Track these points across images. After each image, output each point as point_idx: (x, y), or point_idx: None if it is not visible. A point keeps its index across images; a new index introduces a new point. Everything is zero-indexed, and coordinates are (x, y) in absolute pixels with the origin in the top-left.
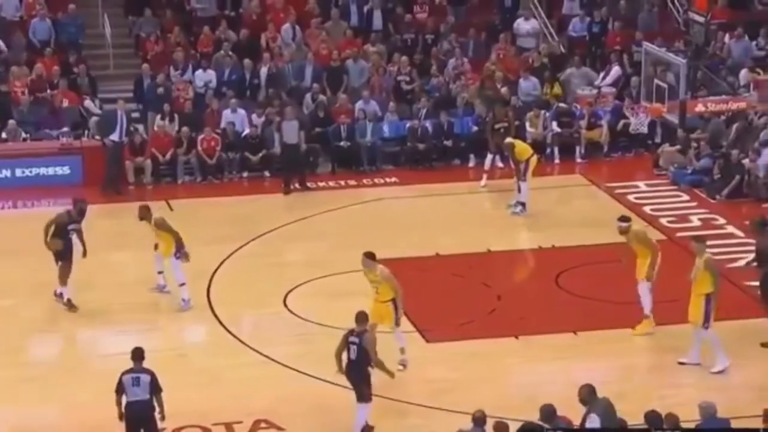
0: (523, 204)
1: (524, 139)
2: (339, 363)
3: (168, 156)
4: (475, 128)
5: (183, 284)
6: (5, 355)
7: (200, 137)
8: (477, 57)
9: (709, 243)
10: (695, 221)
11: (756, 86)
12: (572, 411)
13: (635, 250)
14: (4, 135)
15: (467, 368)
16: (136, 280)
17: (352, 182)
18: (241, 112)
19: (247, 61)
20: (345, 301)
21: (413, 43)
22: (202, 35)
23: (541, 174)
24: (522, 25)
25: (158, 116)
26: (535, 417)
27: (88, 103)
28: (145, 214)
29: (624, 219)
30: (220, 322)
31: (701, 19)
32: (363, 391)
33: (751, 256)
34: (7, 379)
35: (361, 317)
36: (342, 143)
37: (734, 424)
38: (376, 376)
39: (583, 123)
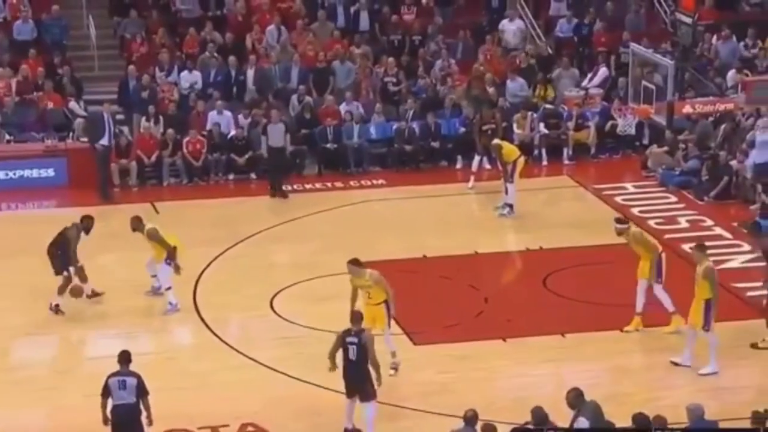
0: (510, 206)
1: (511, 141)
2: (333, 362)
3: (153, 158)
4: (462, 130)
5: (169, 288)
6: None
7: (186, 139)
8: (465, 58)
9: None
10: (683, 223)
11: (744, 87)
12: (561, 414)
13: (636, 252)
14: None
15: (455, 371)
16: (123, 283)
17: (339, 184)
18: (227, 113)
19: (231, 59)
20: (332, 303)
21: (400, 45)
22: (187, 36)
23: (528, 175)
24: (507, 26)
25: (143, 118)
26: (523, 419)
27: (72, 104)
28: (137, 226)
29: (621, 221)
30: (207, 325)
31: (688, 20)
32: (367, 390)
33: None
34: None
35: (357, 317)
36: (329, 145)
37: (723, 427)
38: None
39: (571, 124)
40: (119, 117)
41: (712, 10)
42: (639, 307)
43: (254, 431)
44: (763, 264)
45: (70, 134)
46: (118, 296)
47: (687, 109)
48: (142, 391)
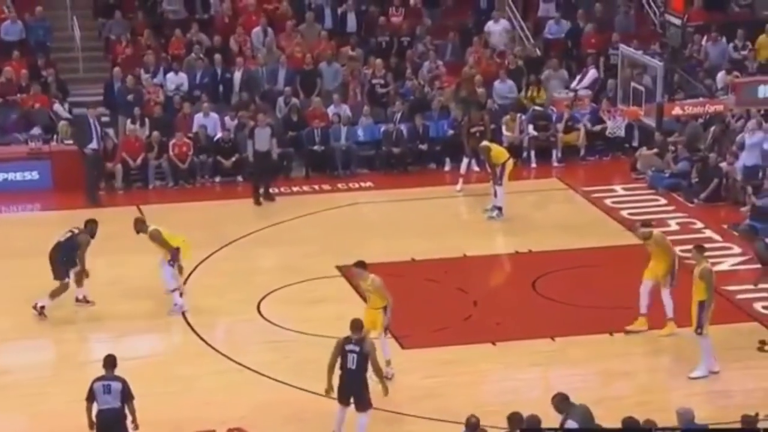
0: (499, 208)
1: (500, 143)
2: (330, 379)
3: (139, 161)
4: (450, 132)
5: (175, 290)
6: None
7: (172, 142)
8: (453, 60)
9: (685, 247)
10: (673, 225)
11: (733, 89)
12: (549, 418)
13: (651, 253)
14: None
15: (444, 375)
16: (110, 288)
17: (326, 187)
18: (214, 116)
19: (217, 57)
20: (320, 307)
21: (388, 46)
22: (173, 38)
23: (517, 178)
24: (492, 27)
25: (129, 120)
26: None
27: (57, 107)
28: (141, 228)
29: (646, 224)
30: (193, 329)
31: (678, 22)
32: (364, 399)
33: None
34: None
35: (357, 324)
36: (316, 147)
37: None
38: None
39: (560, 126)
40: (104, 119)
41: (702, 11)
42: (644, 308)
43: None
44: (753, 267)
45: (55, 137)
46: (105, 300)
47: (676, 110)
48: (127, 395)
